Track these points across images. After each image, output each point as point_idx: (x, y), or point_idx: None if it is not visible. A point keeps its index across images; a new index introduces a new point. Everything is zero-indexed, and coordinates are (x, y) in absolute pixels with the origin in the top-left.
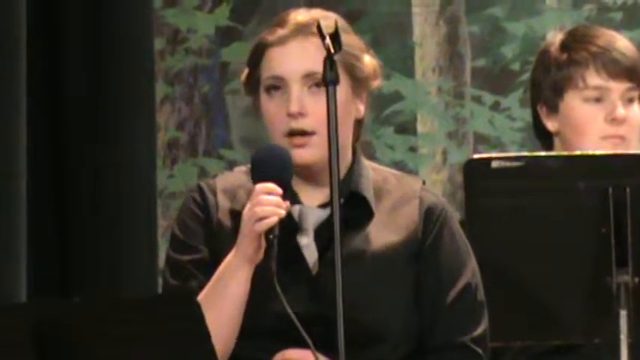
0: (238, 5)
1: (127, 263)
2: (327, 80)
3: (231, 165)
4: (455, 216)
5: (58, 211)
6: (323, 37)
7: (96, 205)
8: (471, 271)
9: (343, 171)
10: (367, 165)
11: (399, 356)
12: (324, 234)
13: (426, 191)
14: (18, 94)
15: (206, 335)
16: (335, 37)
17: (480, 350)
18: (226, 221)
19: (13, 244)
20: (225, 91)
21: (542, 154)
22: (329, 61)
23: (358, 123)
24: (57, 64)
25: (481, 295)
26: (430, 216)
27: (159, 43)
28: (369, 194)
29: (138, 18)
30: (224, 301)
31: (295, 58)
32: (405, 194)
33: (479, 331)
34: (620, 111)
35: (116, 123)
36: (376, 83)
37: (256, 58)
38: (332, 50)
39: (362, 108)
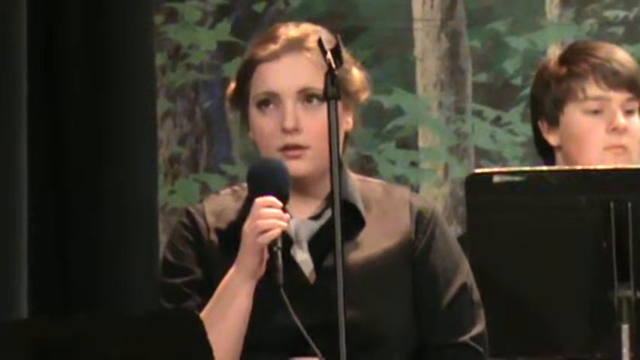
0: (239, 21)
1: (128, 279)
2: (328, 95)
3: (232, 180)
4: (444, 220)
5: (60, 227)
6: (324, 53)
7: (97, 221)
8: (466, 272)
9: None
10: (353, 176)
11: (400, 358)
12: (318, 245)
13: (415, 196)
14: (18, 110)
15: (208, 352)
16: (336, 52)
17: (480, 348)
18: (217, 241)
19: (15, 261)
20: (226, 106)
21: (544, 168)
22: (330, 77)
23: (346, 135)
24: (58, 80)
25: (477, 295)
26: (422, 219)
27: (160, 59)
28: (359, 203)
29: (139, 34)
30: (228, 316)
31: (289, 73)
32: (394, 201)
33: (478, 329)
34: (621, 120)
35: (117, 139)
36: (365, 96)
37: (246, 73)
38: (333, 65)
39: (350, 121)
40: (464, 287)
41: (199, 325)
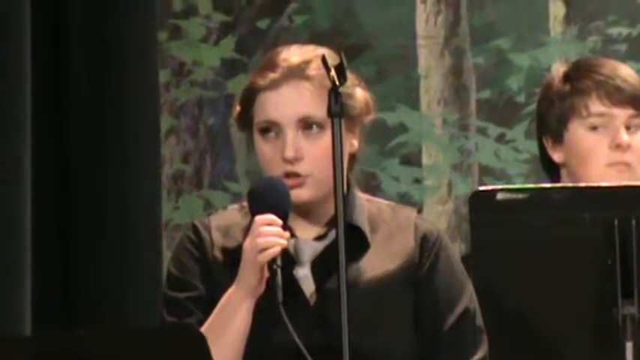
0: (243, 37)
1: (131, 296)
2: (332, 113)
3: (236, 197)
4: (450, 244)
5: (63, 244)
6: (328, 70)
7: (101, 238)
8: (469, 297)
9: None
10: (361, 197)
11: None
12: (321, 266)
13: (421, 219)
14: (23, 121)
15: None
16: (340, 69)
17: None
18: (221, 258)
19: (17, 276)
20: (230, 123)
21: (548, 185)
22: (334, 94)
23: (352, 157)
24: (62, 97)
25: (480, 320)
26: (426, 243)
27: (164, 76)
28: (364, 225)
29: (143, 51)
30: (227, 334)
31: (289, 102)
32: (400, 223)
33: (479, 355)
34: (624, 137)
35: (121, 155)
36: (369, 118)
37: (248, 101)
38: (337, 83)
39: (355, 142)
40: (466, 312)
41: (202, 341)
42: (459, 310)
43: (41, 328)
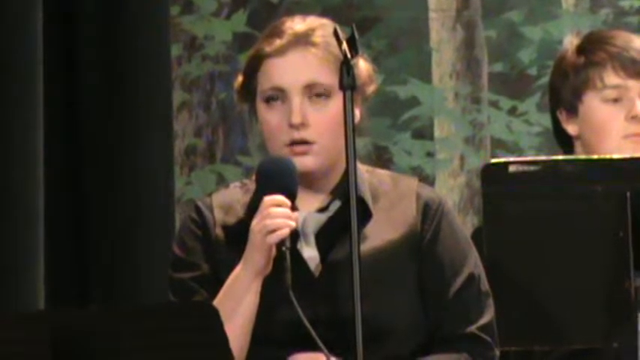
0: (255, 11)
1: (144, 271)
2: (344, 85)
3: (248, 171)
4: (453, 210)
5: (75, 219)
6: (340, 43)
7: (113, 213)
8: (473, 262)
9: (339, 175)
10: (361, 168)
11: (408, 350)
12: (324, 238)
13: (423, 187)
14: (35, 102)
15: (225, 343)
16: (352, 41)
17: (488, 338)
18: (223, 236)
19: (31, 253)
20: (235, 98)
21: (560, 158)
22: (346, 66)
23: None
24: (74, 72)
25: (485, 285)
26: (428, 210)
27: (176, 50)
28: (366, 195)
29: (155, 25)
30: (236, 314)
31: (296, 68)
32: (402, 192)
33: (485, 319)
34: None
35: (133, 130)
36: (372, 89)
37: (253, 68)
38: (349, 55)
39: (358, 114)
40: (471, 277)
41: (216, 316)
42: (463, 276)
43: (55, 307)
